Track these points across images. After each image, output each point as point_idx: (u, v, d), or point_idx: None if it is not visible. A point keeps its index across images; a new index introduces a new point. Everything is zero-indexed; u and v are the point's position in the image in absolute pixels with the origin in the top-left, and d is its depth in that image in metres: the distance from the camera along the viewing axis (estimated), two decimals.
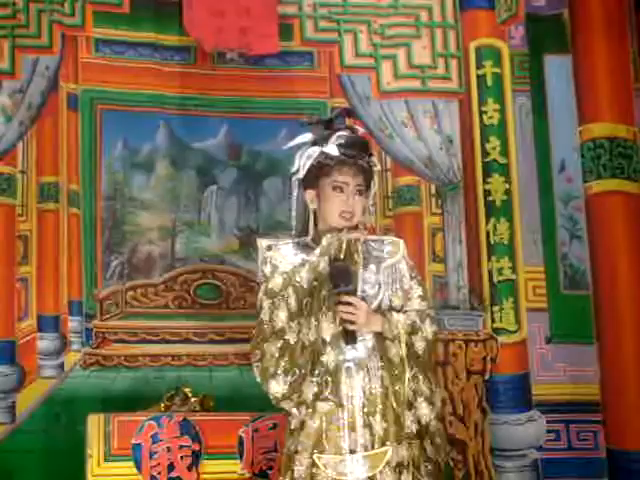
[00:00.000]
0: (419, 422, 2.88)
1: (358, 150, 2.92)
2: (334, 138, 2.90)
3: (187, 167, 4.91)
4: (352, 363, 2.88)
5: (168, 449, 3.74)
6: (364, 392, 2.87)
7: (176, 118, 4.84)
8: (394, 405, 2.86)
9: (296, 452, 2.88)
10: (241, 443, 3.74)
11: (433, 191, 5.06)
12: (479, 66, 5.10)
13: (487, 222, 4.93)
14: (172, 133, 4.88)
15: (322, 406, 2.85)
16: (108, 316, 4.74)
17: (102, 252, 4.76)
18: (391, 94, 5.05)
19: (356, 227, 2.92)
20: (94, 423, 3.75)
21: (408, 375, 2.86)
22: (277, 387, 2.83)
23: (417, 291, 2.97)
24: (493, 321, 4.86)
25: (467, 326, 4.86)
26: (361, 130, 3.02)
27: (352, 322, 2.81)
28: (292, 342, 2.81)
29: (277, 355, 2.83)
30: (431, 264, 4.98)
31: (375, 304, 2.90)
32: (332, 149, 2.88)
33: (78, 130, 4.79)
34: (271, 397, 2.85)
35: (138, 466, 3.70)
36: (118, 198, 4.84)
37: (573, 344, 4.88)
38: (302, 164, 2.92)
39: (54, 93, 4.74)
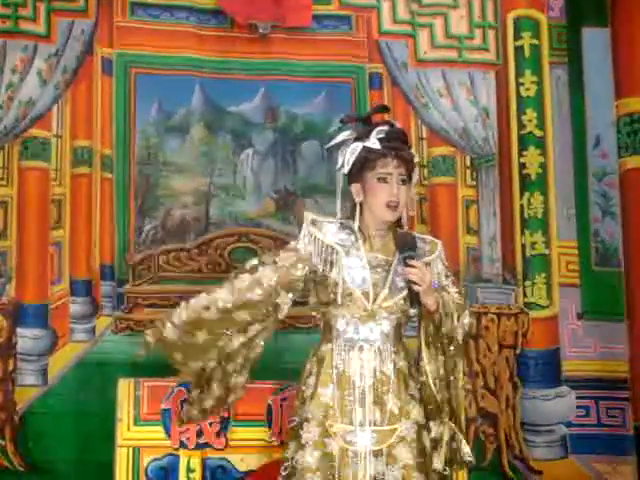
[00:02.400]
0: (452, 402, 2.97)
1: (399, 142, 3.02)
2: (375, 132, 3.00)
3: (222, 130, 4.78)
4: (364, 343, 2.97)
5: None
6: (375, 372, 2.95)
7: (212, 81, 4.71)
8: (411, 385, 2.96)
9: (306, 420, 2.95)
10: (270, 411, 3.68)
11: (468, 163, 4.91)
12: (517, 37, 4.98)
13: (521, 196, 4.83)
14: (207, 96, 4.74)
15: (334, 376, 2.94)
16: (140, 281, 4.63)
17: (135, 217, 4.65)
18: (428, 63, 4.93)
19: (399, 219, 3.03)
20: (124, 387, 3.68)
21: (455, 351, 2.96)
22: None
23: (453, 288, 3.07)
24: (525, 295, 4.77)
25: (499, 300, 4.77)
26: (398, 124, 3.12)
27: (417, 284, 2.88)
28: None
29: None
30: (465, 236, 4.85)
31: (401, 295, 2.98)
32: (374, 143, 2.99)
33: (112, 94, 4.66)
34: None
35: (167, 431, 3.63)
36: (152, 162, 4.71)
37: (604, 321, 4.78)
38: (346, 160, 3.03)
39: (89, 57, 4.63)
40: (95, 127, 4.60)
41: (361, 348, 2.96)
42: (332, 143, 3.10)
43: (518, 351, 4.70)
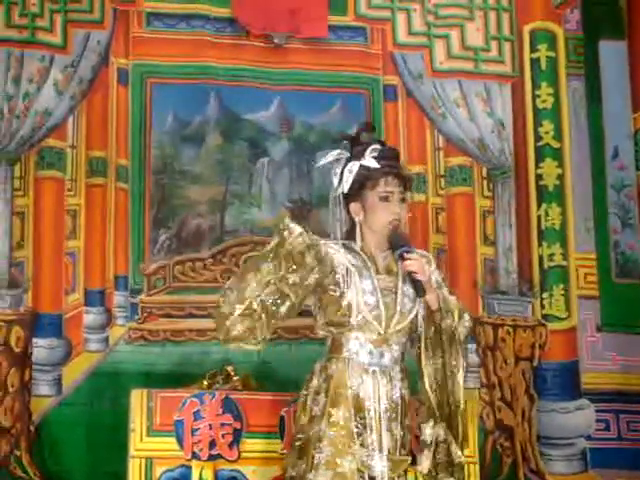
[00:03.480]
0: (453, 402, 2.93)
1: (395, 160, 3.03)
2: (369, 151, 2.98)
3: (238, 139, 4.74)
4: (377, 367, 2.95)
5: (210, 426, 3.58)
6: (387, 397, 2.93)
7: (227, 89, 4.68)
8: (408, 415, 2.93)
9: (318, 439, 2.87)
10: (282, 423, 3.60)
11: (485, 174, 4.85)
12: (533, 50, 4.94)
13: (539, 207, 4.77)
14: (223, 105, 4.70)
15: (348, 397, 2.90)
16: (155, 291, 4.58)
17: (150, 227, 4.60)
18: (444, 74, 4.88)
19: None
20: (137, 398, 3.61)
21: (457, 347, 2.94)
22: None
23: (452, 297, 3.04)
24: (543, 307, 4.69)
25: (516, 312, 4.69)
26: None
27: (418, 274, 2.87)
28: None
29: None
30: (482, 247, 4.79)
31: (411, 315, 2.97)
32: (371, 162, 2.97)
33: (127, 105, 4.63)
34: None
35: (180, 442, 3.55)
36: (167, 172, 4.67)
37: (624, 333, 4.71)
38: (345, 179, 2.99)
39: (104, 68, 4.61)
40: (110, 138, 4.58)
41: (374, 372, 2.93)
42: (322, 162, 3.06)
43: (535, 363, 4.62)
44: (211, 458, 3.55)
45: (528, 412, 4.57)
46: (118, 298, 4.50)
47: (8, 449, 4.17)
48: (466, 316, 3.00)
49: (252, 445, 3.57)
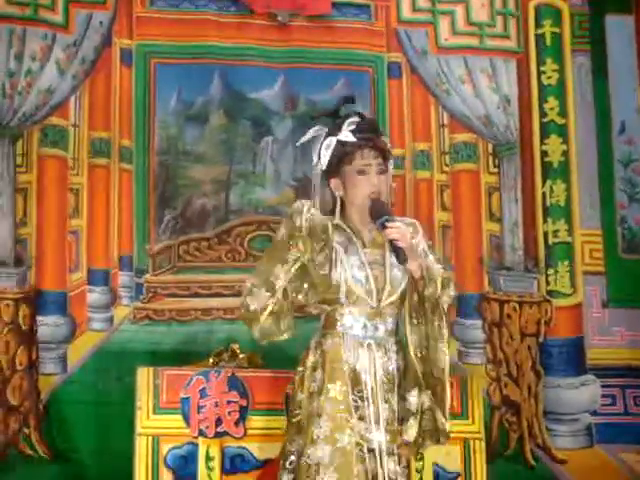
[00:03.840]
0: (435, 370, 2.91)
1: (372, 132, 2.99)
2: (346, 125, 2.96)
3: (242, 118, 4.71)
4: (372, 340, 2.94)
5: (216, 404, 3.59)
6: (383, 369, 2.92)
7: (231, 69, 4.65)
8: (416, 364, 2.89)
9: (317, 415, 2.86)
10: (288, 400, 3.58)
11: (490, 150, 4.82)
12: (538, 25, 4.88)
13: (543, 183, 4.74)
14: (227, 84, 4.67)
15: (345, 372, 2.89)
16: (160, 271, 4.56)
17: (155, 207, 4.58)
18: (449, 50, 4.84)
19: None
20: (143, 376, 3.60)
21: (439, 315, 2.90)
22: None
23: (438, 265, 3.00)
24: (548, 284, 4.67)
25: (522, 288, 4.67)
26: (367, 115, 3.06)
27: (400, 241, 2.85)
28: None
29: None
30: (487, 223, 4.76)
31: (402, 287, 2.96)
32: (347, 136, 2.95)
33: (131, 86, 4.60)
34: None
35: (186, 420, 3.56)
36: (172, 152, 4.65)
37: (630, 308, 4.68)
38: (322, 155, 2.98)
39: (107, 48, 4.58)
40: (113, 118, 4.55)
41: (369, 346, 2.93)
42: (302, 140, 3.05)
43: (541, 339, 4.60)
44: (217, 435, 3.56)
45: (534, 388, 4.55)
46: (123, 278, 4.49)
47: (17, 427, 4.17)
48: (451, 285, 2.97)
49: (258, 422, 3.57)
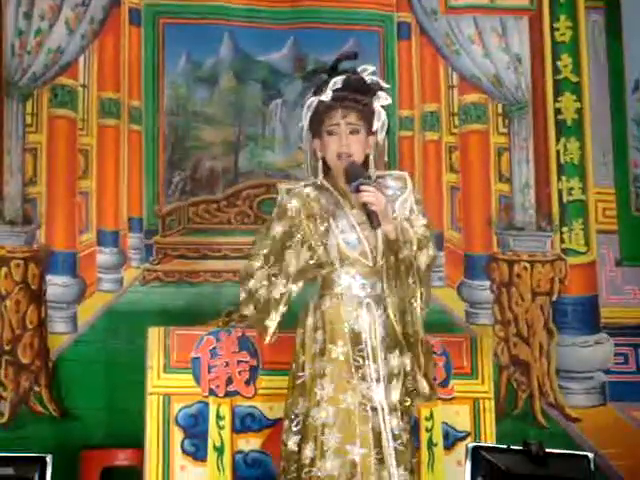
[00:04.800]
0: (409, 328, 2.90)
1: (349, 91, 2.89)
2: (331, 84, 2.89)
3: (251, 80, 4.65)
4: (371, 299, 2.90)
5: (226, 364, 3.57)
6: (383, 327, 2.88)
7: (241, 30, 4.59)
8: (395, 325, 2.87)
9: (320, 376, 2.84)
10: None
11: (500, 110, 4.73)
12: None
13: (557, 141, 4.66)
14: (236, 45, 4.61)
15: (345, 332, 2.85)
16: (170, 232, 4.52)
17: (164, 168, 4.53)
18: (458, 10, 4.74)
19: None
20: (154, 336, 3.58)
21: (414, 277, 2.86)
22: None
23: (422, 221, 2.96)
24: (562, 242, 4.60)
25: (533, 247, 4.60)
26: (370, 69, 2.95)
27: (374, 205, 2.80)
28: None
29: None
30: (497, 184, 4.68)
31: None
32: (326, 95, 2.88)
33: (140, 46, 4.55)
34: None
35: (197, 379, 3.54)
36: (181, 113, 4.59)
37: None
38: (303, 115, 2.95)
39: (116, 8, 4.52)
40: (122, 79, 4.50)
41: (369, 305, 2.89)
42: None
43: (555, 298, 4.55)
44: (228, 395, 3.53)
45: (546, 346, 4.50)
46: (132, 240, 4.46)
47: (28, 385, 4.17)
48: (430, 245, 2.92)
49: (268, 382, 3.54)
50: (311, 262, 2.90)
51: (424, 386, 2.88)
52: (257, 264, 2.91)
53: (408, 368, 2.88)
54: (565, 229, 4.62)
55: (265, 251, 2.91)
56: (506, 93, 4.74)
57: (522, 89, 4.74)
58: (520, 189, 4.67)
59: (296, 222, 2.89)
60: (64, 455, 3.54)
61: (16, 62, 4.36)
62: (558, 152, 4.66)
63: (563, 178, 4.65)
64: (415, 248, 2.87)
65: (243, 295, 2.95)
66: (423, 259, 2.89)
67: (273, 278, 2.88)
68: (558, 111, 4.68)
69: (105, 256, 4.42)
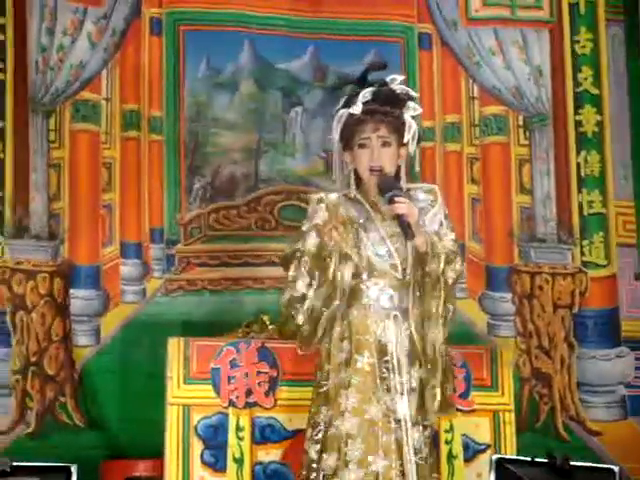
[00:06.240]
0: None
1: (380, 103, 2.85)
2: (361, 96, 2.86)
3: (272, 87, 4.57)
4: (398, 312, 2.85)
5: (246, 374, 3.51)
6: (409, 340, 2.84)
7: (261, 38, 4.51)
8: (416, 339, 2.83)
9: (344, 386, 2.80)
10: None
11: (520, 122, 4.65)
12: None
13: (578, 154, 4.58)
14: (256, 53, 4.54)
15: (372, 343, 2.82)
16: (191, 240, 4.44)
17: (185, 176, 4.46)
18: (479, 21, 4.66)
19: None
20: (174, 346, 3.53)
21: (439, 292, 2.82)
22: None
23: (450, 235, 2.93)
24: (583, 255, 4.52)
25: (554, 259, 4.52)
26: (399, 78, 2.92)
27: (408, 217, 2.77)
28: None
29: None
30: (518, 195, 4.60)
31: None
32: (356, 108, 2.85)
33: (160, 55, 4.47)
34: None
35: (217, 390, 3.49)
36: (201, 119, 4.52)
37: None
38: (334, 128, 2.94)
39: (137, 19, 4.45)
40: (143, 89, 4.43)
41: (396, 317, 2.84)
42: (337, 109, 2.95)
43: (575, 311, 4.46)
44: (248, 406, 3.49)
45: (568, 359, 4.42)
46: (154, 250, 4.38)
47: (53, 396, 4.13)
48: (458, 259, 2.88)
49: (288, 393, 3.50)
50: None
51: (438, 401, 2.82)
52: (301, 283, 2.83)
53: (425, 383, 2.82)
54: (585, 242, 4.54)
55: (305, 268, 2.83)
56: (527, 105, 4.66)
57: (543, 101, 4.65)
58: (541, 201, 4.59)
59: (325, 231, 2.82)
60: (89, 464, 3.51)
61: (40, 79, 4.29)
62: (579, 165, 4.58)
63: (584, 191, 4.57)
64: (443, 263, 2.81)
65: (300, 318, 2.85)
66: (450, 274, 2.86)
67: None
68: (579, 123, 4.60)
69: (128, 268, 4.34)
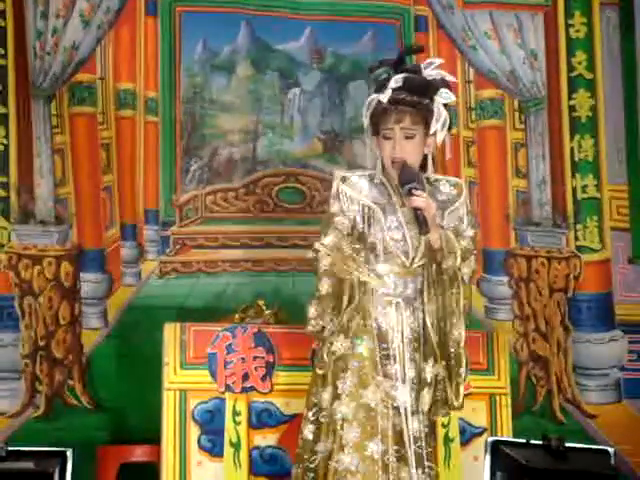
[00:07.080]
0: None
1: (408, 92, 2.75)
2: (392, 82, 2.76)
3: (269, 69, 4.48)
4: (401, 299, 2.81)
5: (242, 359, 3.45)
6: (410, 328, 2.80)
7: (258, 18, 4.40)
8: (431, 334, 2.78)
9: (342, 370, 2.77)
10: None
11: (516, 106, 4.58)
12: None
13: (571, 138, 4.51)
14: (253, 34, 4.43)
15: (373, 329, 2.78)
16: (187, 222, 4.35)
17: (181, 157, 4.36)
18: (475, 5, 4.55)
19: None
20: (170, 332, 3.45)
21: (458, 289, 2.78)
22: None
23: (469, 232, 2.88)
24: (577, 239, 4.46)
25: (549, 243, 4.47)
26: (437, 62, 2.84)
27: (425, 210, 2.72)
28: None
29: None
30: (514, 179, 4.53)
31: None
32: (385, 95, 2.76)
33: (156, 35, 4.35)
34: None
35: (213, 375, 3.42)
36: (197, 100, 4.41)
37: None
38: (363, 114, 2.87)
39: None
40: (138, 69, 4.31)
41: (398, 304, 2.80)
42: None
43: (570, 294, 4.41)
44: (244, 390, 3.43)
45: (564, 343, 4.38)
46: (149, 232, 4.29)
47: (62, 379, 4.08)
48: (472, 258, 2.83)
49: (285, 378, 3.44)
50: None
51: (452, 397, 2.78)
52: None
53: (440, 378, 2.78)
54: (579, 226, 4.48)
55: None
56: (522, 89, 4.58)
57: (538, 85, 4.57)
58: (537, 184, 4.53)
59: (346, 208, 2.79)
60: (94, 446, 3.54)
61: (39, 64, 4.18)
62: (572, 149, 4.51)
63: (577, 175, 4.51)
64: (459, 259, 2.75)
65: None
66: (466, 270, 2.81)
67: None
68: (572, 108, 4.53)
69: (127, 250, 4.26)
